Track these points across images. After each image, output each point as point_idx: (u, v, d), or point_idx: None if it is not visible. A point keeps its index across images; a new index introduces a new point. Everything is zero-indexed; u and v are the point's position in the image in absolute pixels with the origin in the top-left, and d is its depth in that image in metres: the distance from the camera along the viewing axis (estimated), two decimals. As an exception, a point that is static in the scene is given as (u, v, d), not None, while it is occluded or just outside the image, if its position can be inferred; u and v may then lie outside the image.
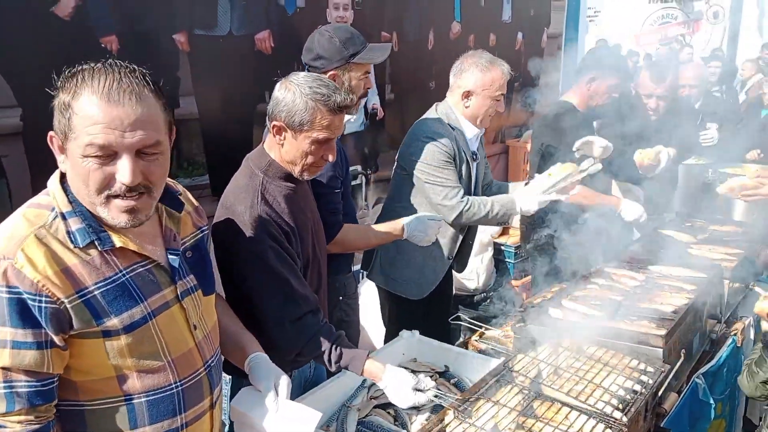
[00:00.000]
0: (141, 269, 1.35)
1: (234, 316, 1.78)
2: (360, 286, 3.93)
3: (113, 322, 1.28)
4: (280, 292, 1.85)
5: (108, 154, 1.21)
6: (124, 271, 1.31)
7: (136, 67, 1.26)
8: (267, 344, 1.80)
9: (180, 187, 1.56)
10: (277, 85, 1.87)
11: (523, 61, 5.24)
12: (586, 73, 3.34)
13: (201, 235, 1.56)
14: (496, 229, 4.57)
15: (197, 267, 1.48)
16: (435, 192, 2.74)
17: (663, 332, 2.11)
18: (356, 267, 4.02)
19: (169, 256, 1.40)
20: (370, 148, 4.11)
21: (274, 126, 1.85)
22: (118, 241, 1.30)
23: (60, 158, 1.27)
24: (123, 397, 1.33)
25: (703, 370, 2.37)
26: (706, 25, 11.78)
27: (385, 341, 3.20)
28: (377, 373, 1.82)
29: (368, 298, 3.66)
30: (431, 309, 3.17)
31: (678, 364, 2.05)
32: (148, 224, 1.38)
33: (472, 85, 2.73)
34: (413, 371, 2.08)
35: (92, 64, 1.23)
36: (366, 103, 4.07)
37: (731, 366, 2.60)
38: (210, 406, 1.48)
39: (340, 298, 2.55)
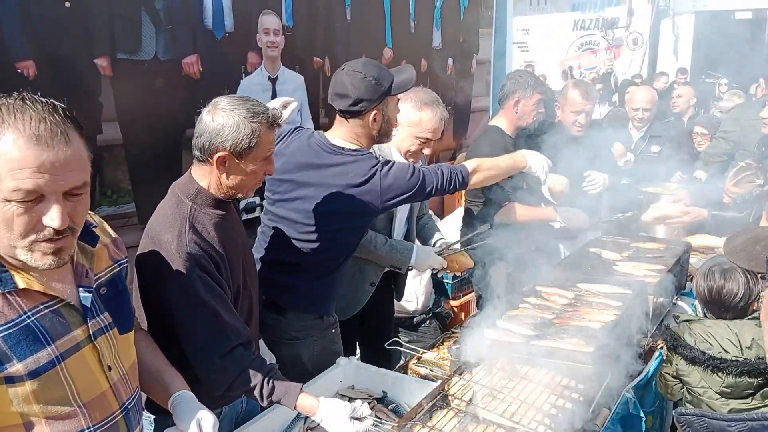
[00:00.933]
0: (47, 310, 1.26)
1: (158, 351, 1.70)
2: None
3: (16, 367, 1.19)
4: (209, 323, 1.78)
5: (34, 198, 1.15)
6: (29, 313, 1.23)
7: (56, 103, 1.20)
8: (195, 378, 1.73)
9: (96, 219, 1.49)
10: (206, 115, 1.80)
11: (453, 85, 5.36)
12: (511, 97, 3.46)
13: (118, 269, 1.48)
14: (433, 250, 4.61)
15: (113, 303, 1.41)
16: None
17: (591, 349, 2.16)
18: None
19: (81, 294, 1.32)
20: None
21: (219, 158, 1.77)
22: (21, 281, 1.22)
23: None
24: None
25: (632, 384, 2.44)
26: (626, 51, 12.46)
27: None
28: (311, 408, 1.78)
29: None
30: (371, 333, 3.15)
31: (607, 379, 2.10)
32: None
33: (400, 117, 2.64)
34: (350, 399, 2.05)
35: (9, 100, 1.16)
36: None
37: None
38: None
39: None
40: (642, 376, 2.50)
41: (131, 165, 3.08)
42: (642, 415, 2.43)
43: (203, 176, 1.86)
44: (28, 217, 1.16)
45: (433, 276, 4.45)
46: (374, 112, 2.30)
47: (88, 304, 1.32)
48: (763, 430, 0.84)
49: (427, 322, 4.10)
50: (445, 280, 4.34)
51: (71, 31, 2.77)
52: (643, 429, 2.52)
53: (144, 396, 1.63)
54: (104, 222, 1.55)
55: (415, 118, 2.68)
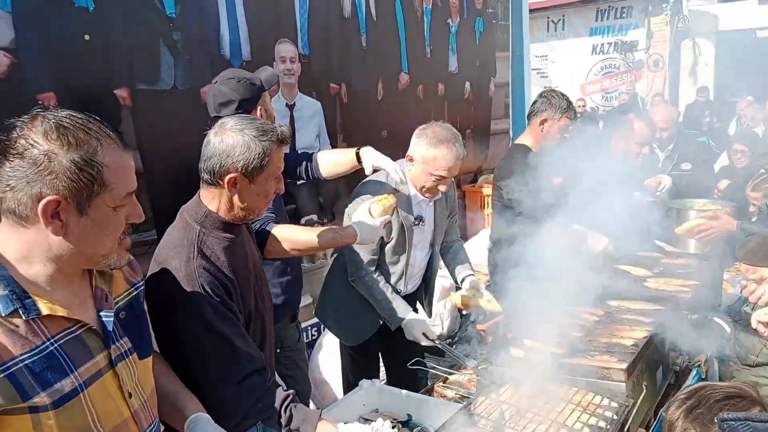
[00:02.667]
0: (70, 336, 1.23)
1: (172, 374, 1.65)
2: (322, 338, 3.81)
3: (41, 397, 1.15)
4: (221, 351, 1.71)
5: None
6: (53, 339, 1.20)
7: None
8: (208, 409, 1.65)
9: None
10: (214, 137, 1.78)
11: (472, 109, 5.35)
12: (538, 116, 3.42)
13: (135, 292, 1.45)
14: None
15: (131, 328, 1.38)
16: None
17: (624, 366, 2.06)
18: (313, 320, 3.91)
19: (104, 318, 1.29)
20: (325, 196, 4.06)
21: (230, 180, 1.74)
22: (44, 308, 1.19)
23: (55, 224, 1.19)
24: None
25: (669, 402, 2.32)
26: (647, 73, 12.39)
27: (344, 391, 3.08)
28: None
29: (331, 349, 3.54)
30: (396, 357, 3.08)
31: (641, 397, 1.99)
32: (77, 285, 1.28)
33: (415, 152, 2.67)
34: (369, 421, 1.98)
35: (60, 114, 1.22)
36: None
37: (697, 398, 2.55)
38: None
39: (277, 350, 2.43)
40: (679, 394, 2.37)
41: (152, 194, 3.10)
42: (681, 436, 2.30)
43: (212, 199, 1.81)
44: (120, 218, 1.27)
45: (458, 300, 4.37)
46: (259, 108, 2.45)
47: (110, 328, 1.29)
48: None
49: (454, 346, 4.00)
50: (470, 304, 4.24)
51: (91, 63, 2.82)
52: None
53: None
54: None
55: (429, 155, 2.61)
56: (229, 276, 1.78)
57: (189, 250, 1.73)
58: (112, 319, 1.30)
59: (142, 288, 1.50)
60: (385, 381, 3.09)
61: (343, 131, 4.20)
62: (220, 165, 1.74)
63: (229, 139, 1.74)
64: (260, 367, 1.77)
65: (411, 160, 2.68)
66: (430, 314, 3.21)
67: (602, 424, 1.83)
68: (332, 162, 2.73)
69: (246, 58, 3.49)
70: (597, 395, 1.98)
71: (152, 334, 1.52)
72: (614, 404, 1.94)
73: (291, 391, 1.80)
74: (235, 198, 1.78)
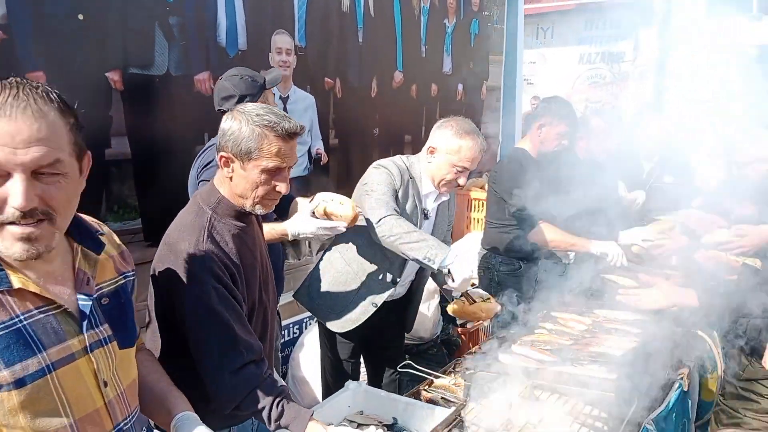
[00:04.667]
0: (42, 315, 1.17)
1: (162, 372, 1.60)
2: (303, 336, 3.77)
3: (3, 374, 1.10)
4: (222, 337, 1.70)
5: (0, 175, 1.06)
6: (22, 316, 1.14)
7: (40, 84, 1.13)
8: (203, 398, 1.64)
9: (104, 228, 1.42)
10: (225, 116, 1.80)
11: (464, 111, 5.35)
12: (537, 120, 3.43)
13: (123, 281, 1.40)
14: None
15: (114, 316, 1.32)
16: (370, 205, 2.57)
17: (614, 376, 2.07)
18: (295, 318, 3.87)
19: (80, 302, 1.23)
20: (315, 192, 4.01)
21: (221, 158, 1.77)
22: (16, 281, 1.13)
23: None
24: None
25: (653, 415, 2.33)
26: (633, 85, 12.51)
27: (323, 392, 3.04)
28: None
29: (312, 347, 3.50)
30: (380, 361, 3.06)
31: (633, 408, 2.00)
32: (58, 264, 1.23)
33: (438, 143, 2.63)
34: (359, 425, 1.96)
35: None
36: (310, 147, 4.01)
37: (679, 411, 2.58)
38: None
39: None
40: (663, 407, 2.39)
41: (139, 181, 3.03)
42: (664, 448, 2.32)
43: (221, 183, 1.82)
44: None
45: (442, 303, 4.37)
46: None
47: (87, 312, 1.24)
48: None
49: (435, 349, 4.00)
50: (453, 307, 4.24)
51: (84, 44, 2.74)
52: (666, 464, 2.40)
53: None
54: (113, 233, 1.47)
55: (454, 145, 2.59)
56: (236, 263, 1.78)
57: (199, 234, 1.74)
58: (90, 303, 1.24)
59: (132, 278, 1.45)
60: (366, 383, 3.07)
61: (335, 127, 4.17)
62: (218, 143, 1.78)
63: (231, 120, 1.76)
64: (258, 358, 1.75)
65: (432, 151, 2.65)
66: (411, 325, 3.17)
67: (591, 433, 1.83)
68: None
69: (242, 47, 3.44)
70: (587, 405, 1.98)
71: (137, 326, 1.48)
72: (604, 414, 1.94)
73: (285, 386, 1.79)
74: (230, 182, 1.79)
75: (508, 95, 5.98)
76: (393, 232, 2.46)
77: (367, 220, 2.57)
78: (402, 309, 3.03)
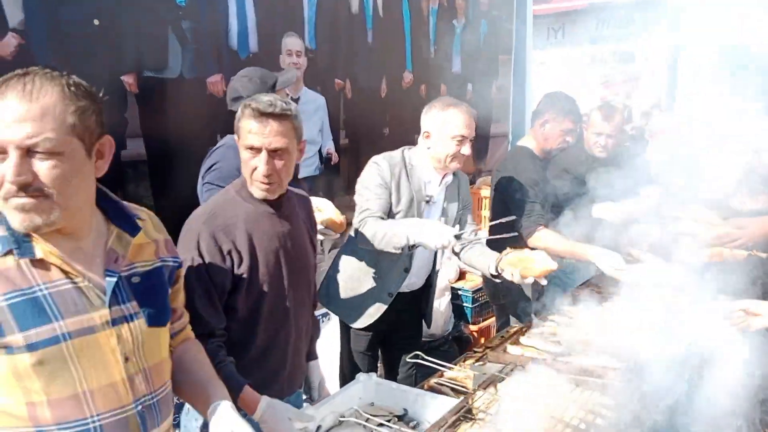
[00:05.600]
0: (66, 286, 1.24)
1: (206, 362, 1.64)
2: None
3: (16, 337, 1.17)
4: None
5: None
6: (42, 286, 1.21)
7: (58, 71, 1.22)
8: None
9: (145, 214, 1.47)
10: None
11: (473, 110, 5.37)
12: (541, 117, 3.40)
13: (161, 265, 1.45)
14: (453, 274, 4.55)
15: (144, 294, 1.37)
16: (357, 208, 2.72)
17: (622, 365, 2.09)
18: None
19: (106, 278, 1.29)
20: (325, 192, 4.07)
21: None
22: (40, 252, 1.21)
23: None
24: (33, 428, 1.21)
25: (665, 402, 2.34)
26: (644, 84, 12.45)
27: (341, 387, 3.08)
28: (252, 406, 1.69)
29: (326, 343, 3.54)
30: (395, 355, 3.08)
31: (638, 398, 2.01)
32: (88, 242, 1.29)
33: (429, 126, 2.70)
34: (370, 416, 2.00)
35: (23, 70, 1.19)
36: (321, 148, 4.06)
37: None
38: None
39: None
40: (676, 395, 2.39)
41: (154, 181, 3.10)
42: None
43: None
44: None
45: (453, 300, 4.39)
46: None
47: (110, 289, 1.29)
48: None
49: (447, 346, 4.02)
50: (465, 304, 4.27)
51: (99, 48, 2.82)
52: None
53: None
54: (161, 223, 1.53)
55: (442, 118, 2.66)
56: (242, 243, 1.84)
57: (213, 206, 1.88)
58: (115, 279, 1.30)
59: (173, 265, 1.49)
60: (380, 375, 3.10)
61: (345, 127, 4.22)
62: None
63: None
64: (210, 332, 1.80)
65: (428, 135, 2.70)
66: (430, 318, 3.18)
67: (599, 422, 1.85)
68: None
69: (253, 50, 3.50)
70: (595, 393, 2.00)
71: (170, 308, 1.50)
72: (611, 402, 1.96)
73: (230, 359, 1.81)
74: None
75: (518, 95, 6.00)
76: (375, 231, 2.53)
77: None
78: (419, 303, 3.05)
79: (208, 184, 2.51)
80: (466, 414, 1.90)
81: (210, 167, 2.56)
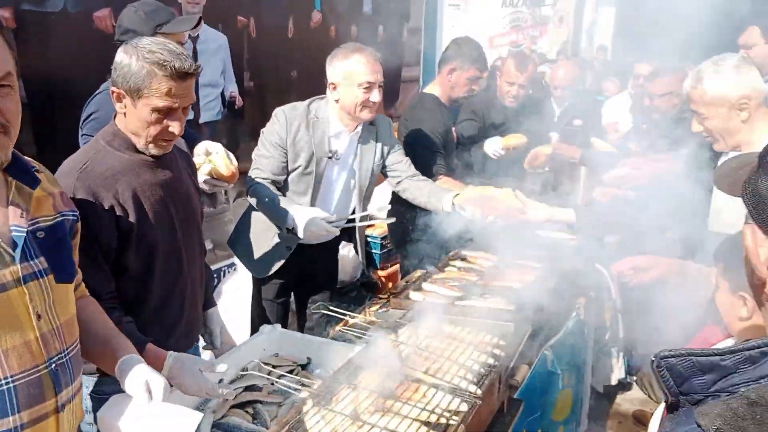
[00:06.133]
0: None
1: (106, 319, 1.59)
2: (222, 284, 3.76)
3: None
4: None
5: None
6: None
7: None
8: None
9: (41, 167, 1.40)
10: (119, 50, 1.73)
11: (383, 53, 5.30)
12: (448, 64, 3.41)
13: (62, 219, 1.39)
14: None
15: (50, 250, 1.31)
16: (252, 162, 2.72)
17: (513, 307, 2.22)
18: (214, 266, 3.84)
19: (13, 233, 1.23)
20: (229, 138, 3.93)
21: (113, 92, 1.73)
22: None
23: None
24: None
25: (551, 342, 2.52)
26: (552, 29, 12.73)
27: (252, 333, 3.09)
28: (158, 363, 1.63)
29: (231, 296, 3.51)
30: (306, 303, 3.10)
31: (526, 336, 2.15)
32: None
33: (334, 76, 2.63)
34: (273, 366, 2.02)
35: None
36: (223, 91, 3.89)
37: (576, 338, 2.80)
38: (56, 410, 1.30)
39: None
40: (560, 334, 2.59)
41: (35, 126, 2.87)
42: (559, 371, 2.53)
43: (119, 117, 1.79)
44: None
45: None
46: None
47: (21, 243, 1.23)
48: (762, 358, 0.79)
49: (355, 292, 4.09)
50: (373, 251, 4.34)
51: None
52: (560, 386, 2.62)
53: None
54: (51, 175, 1.46)
55: (347, 68, 2.59)
56: (124, 201, 1.74)
57: (84, 158, 1.75)
58: (24, 234, 1.24)
59: (72, 219, 1.44)
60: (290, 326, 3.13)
61: (250, 69, 4.05)
62: (112, 77, 1.73)
63: (123, 54, 1.71)
64: (96, 297, 1.70)
65: (334, 87, 2.64)
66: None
67: (491, 361, 1.97)
68: None
69: (145, -17, 3.24)
70: (488, 335, 2.12)
71: (75, 264, 1.45)
72: (503, 342, 2.08)
73: (128, 318, 1.77)
74: (124, 118, 1.76)
75: (429, 38, 5.97)
76: (258, 200, 2.60)
77: None
78: (333, 251, 3.06)
79: (86, 136, 2.32)
80: (365, 360, 1.95)
81: (88, 116, 2.36)
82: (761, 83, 2.31)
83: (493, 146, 3.53)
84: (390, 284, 4.38)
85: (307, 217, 2.52)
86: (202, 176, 2.26)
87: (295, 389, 1.83)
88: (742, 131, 2.22)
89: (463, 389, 1.78)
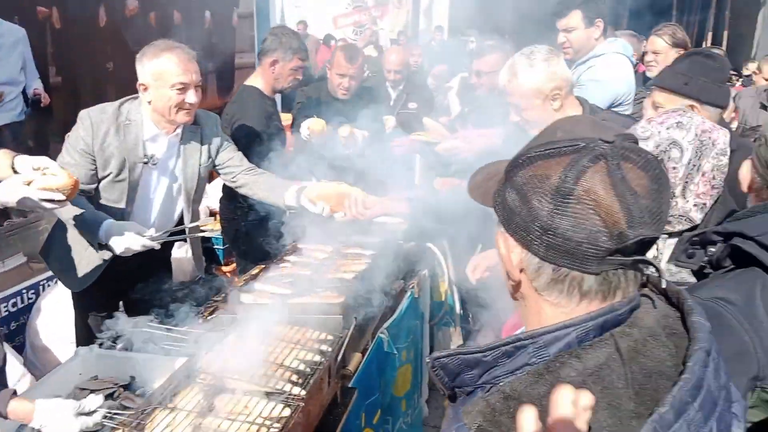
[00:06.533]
0: None
1: None
2: (40, 300, 3.43)
3: None
4: None
5: None
6: None
7: None
8: None
9: None
10: None
11: (213, 40, 5.09)
12: (269, 56, 3.34)
13: None
14: (203, 216, 4.40)
15: None
16: None
17: (341, 299, 2.24)
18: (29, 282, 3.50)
19: None
20: (36, 139, 3.56)
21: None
22: None
23: None
24: None
25: (386, 324, 2.59)
26: (392, 10, 13.01)
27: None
28: (26, 414, 1.56)
29: (51, 312, 3.22)
30: (141, 312, 2.91)
31: (352, 327, 2.19)
32: None
33: (144, 77, 2.44)
34: (91, 391, 1.87)
35: None
36: (25, 88, 3.50)
37: (411, 315, 2.90)
38: None
39: None
40: (395, 315, 2.66)
41: None
42: (395, 351, 2.61)
43: None
44: None
45: (203, 243, 4.28)
46: None
47: None
48: (516, 351, 0.86)
49: (198, 291, 3.94)
50: (215, 246, 4.19)
51: None
52: (397, 364, 2.72)
53: None
54: None
55: (157, 68, 2.41)
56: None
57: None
58: None
59: None
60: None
61: (56, 63, 3.68)
62: None
63: None
64: None
65: (145, 88, 2.46)
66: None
67: (317, 358, 1.98)
68: None
69: None
70: (316, 331, 2.13)
71: None
72: (330, 337, 2.10)
73: None
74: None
75: (263, 23, 5.81)
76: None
77: None
78: (163, 252, 2.88)
79: None
80: (187, 378, 1.88)
81: None
82: (569, 73, 2.52)
83: (303, 131, 3.56)
84: (236, 279, 4.27)
85: (124, 242, 2.37)
86: (34, 191, 2.00)
87: (110, 417, 1.70)
88: (555, 118, 2.40)
89: (285, 392, 1.77)
